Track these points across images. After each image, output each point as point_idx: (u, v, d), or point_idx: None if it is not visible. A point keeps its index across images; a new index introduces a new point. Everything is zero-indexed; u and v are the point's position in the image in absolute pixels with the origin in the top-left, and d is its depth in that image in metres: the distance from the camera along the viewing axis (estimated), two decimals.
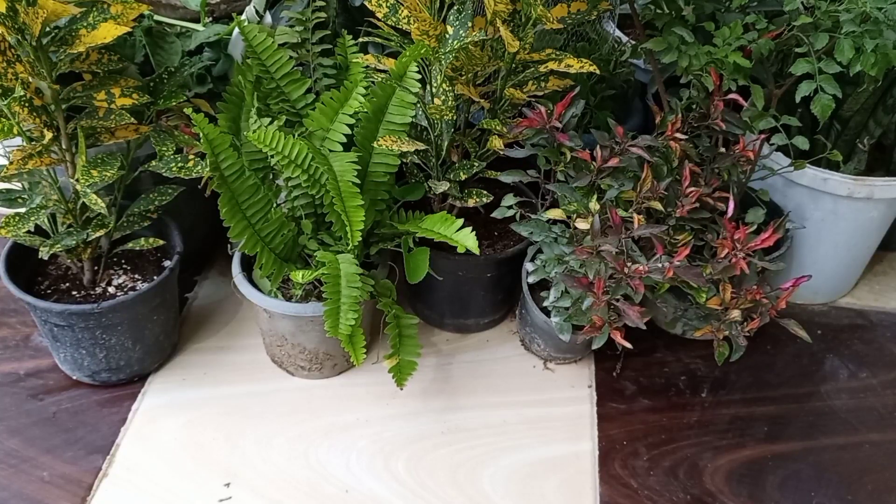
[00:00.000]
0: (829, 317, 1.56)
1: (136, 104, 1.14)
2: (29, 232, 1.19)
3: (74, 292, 1.28)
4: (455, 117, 1.23)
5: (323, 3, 1.33)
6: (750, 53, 1.13)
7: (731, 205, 1.21)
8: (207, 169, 1.13)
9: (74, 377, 1.33)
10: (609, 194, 1.21)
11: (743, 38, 1.11)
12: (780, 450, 1.30)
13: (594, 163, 1.20)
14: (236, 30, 1.28)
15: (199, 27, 1.31)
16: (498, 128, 1.22)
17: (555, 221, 1.27)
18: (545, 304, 1.28)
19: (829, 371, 1.45)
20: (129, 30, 1.07)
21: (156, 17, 1.27)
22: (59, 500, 1.16)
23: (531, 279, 1.29)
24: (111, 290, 1.28)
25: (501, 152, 1.25)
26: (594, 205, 1.19)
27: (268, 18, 1.36)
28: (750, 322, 1.22)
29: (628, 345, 1.19)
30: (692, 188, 1.19)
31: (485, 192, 1.30)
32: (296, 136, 1.18)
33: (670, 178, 1.22)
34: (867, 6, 1.03)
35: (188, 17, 1.33)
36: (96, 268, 1.29)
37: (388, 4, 1.16)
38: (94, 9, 1.06)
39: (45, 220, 1.24)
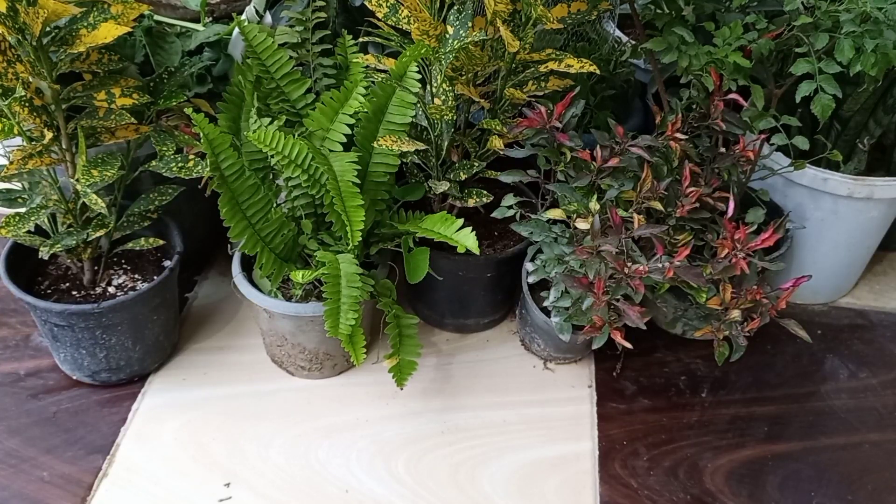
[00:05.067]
0: (829, 317, 1.56)
1: (137, 104, 1.14)
2: (29, 232, 1.19)
3: (74, 292, 1.28)
4: (455, 117, 1.23)
5: (323, 3, 1.33)
6: (750, 53, 1.13)
7: (731, 205, 1.21)
8: (207, 169, 1.13)
9: (74, 377, 1.33)
10: (609, 194, 1.21)
11: (743, 38, 1.11)
12: (780, 450, 1.30)
13: (594, 163, 1.20)
14: (236, 30, 1.28)
15: (199, 27, 1.31)
16: (498, 128, 1.22)
17: (555, 221, 1.27)
18: (545, 304, 1.28)
19: (829, 371, 1.45)
20: (130, 30, 1.07)
21: (156, 17, 1.27)
22: (59, 500, 1.16)
23: (531, 279, 1.29)
24: (111, 290, 1.28)
25: (501, 152, 1.25)
26: (594, 205, 1.19)
27: (268, 18, 1.36)
28: (750, 322, 1.22)
29: (628, 345, 1.19)
30: (692, 188, 1.19)
31: (485, 192, 1.30)
32: (296, 136, 1.18)
33: (670, 178, 1.22)
34: (867, 6, 1.03)
35: (188, 17, 1.33)
36: (96, 268, 1.29)
37: (388, 4, 1.16)
38: (95, 9, 1.06)
39: (45, 220, 1.24)
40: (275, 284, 1.28)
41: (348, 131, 1.23)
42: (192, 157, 1.18)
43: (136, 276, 1.31)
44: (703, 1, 1.24)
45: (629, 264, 1.13)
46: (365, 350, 1.17)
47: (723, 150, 1.29)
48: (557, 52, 1.17)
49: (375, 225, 1.27)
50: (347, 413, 1.32)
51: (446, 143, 1.25)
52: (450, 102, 1.18)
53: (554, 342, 1.37)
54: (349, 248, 1.18)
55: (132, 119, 1.13)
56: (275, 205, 1.23)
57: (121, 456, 1.23)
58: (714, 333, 1.24)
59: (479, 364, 1.42)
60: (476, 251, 1.14)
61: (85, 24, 1.05)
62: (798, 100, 1.10)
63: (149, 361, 1.35)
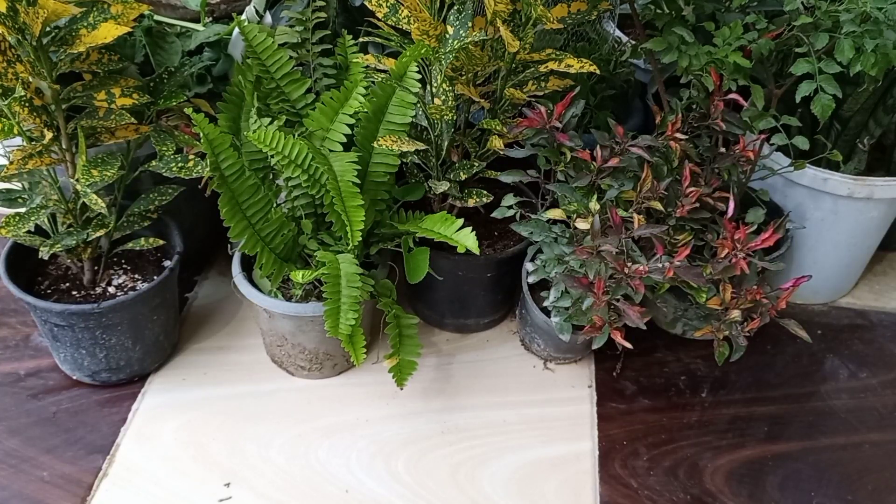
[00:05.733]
0: (829, 317, 1.56)
1: (137, 104, 1.14)
2: (29, 232, 1.19)
3: (74, 292, 1.28)
4: (455, 117, 1.23)
5: (323, 3, 1.33)
6: (750, 53, 1.13)
7: (731, 205, 1.21)
8: (207, 169, 1.13)
9: (74, 377, 1.33)
10: (609, 194, 1.21)
11: (743, 38, 1.11)
12: (780, 450, 1.30)
13: (594, 163, 1.20)
14: (236, 30, 1.28)
15: (199, 27, 1.31)
16: (498, 128, 1.22)
17: (555, 221, 1.27)
18: (545, 304, 1.28)
19: (829, 371, 1.45)
20: (130, 30, 1.07)
21: (156, 17, 1.27)
22: (59, 500, 1.16)
23: (531, 279, 1.29)
24: (111, 290, 1.28)
25: (501, 152, 1.25)
26: (594, 205, 1.19)
27: (268, 18, 1.36)
28: (750, 322, 1.22)
29: (628, 345, 1.19)
30: (692, 188, 1.19)
31: (485, 192, 1.30)
32: (296, 136, 1.18)
33: (670, 178, 1.22)
34: (867, 6, 1.03)
35: (188, 17, 1.33)
36: (96, 268, 1.29)
37: (388, 4, 1.16)
38: (95, 9, 1.06)
39: (46, 220, 1.24)
40: (275, 284, 1.28)
41: (348, 131, 1.23)
42: (192, 157, 1.18)
43: (136, 276, 1.31)
44: (703, 1, 1.24)
45: (629, 264, 1.13)
46: (365, 350, 1.17)
47: (723, 150, 1.29)
48: (557, 52, 1.17)
49: (375, 225, 1.27)
50: (347, 413, 1.32)
51: (446, 143, 1.25)
52: (450, 102, 1.18)
53: (554, 342, 1.37)
54: (349, 248, 1.18)
55: (132, 119, 1.13)
56: (275, 205, 1.23)
57: (121, 456, 1.23)
58: (714, 333, 1.24)
59: (479, 364, 1.42)
60: (476, 251, 1.14)
61: (85, 24, 1.05)
62: (798, 100, 1.10)
63: (149, 361, 1.35)
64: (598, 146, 1.21)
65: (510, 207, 1.30)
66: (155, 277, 1.27)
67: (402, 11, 1.15)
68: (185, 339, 1.43)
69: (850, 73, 1.05)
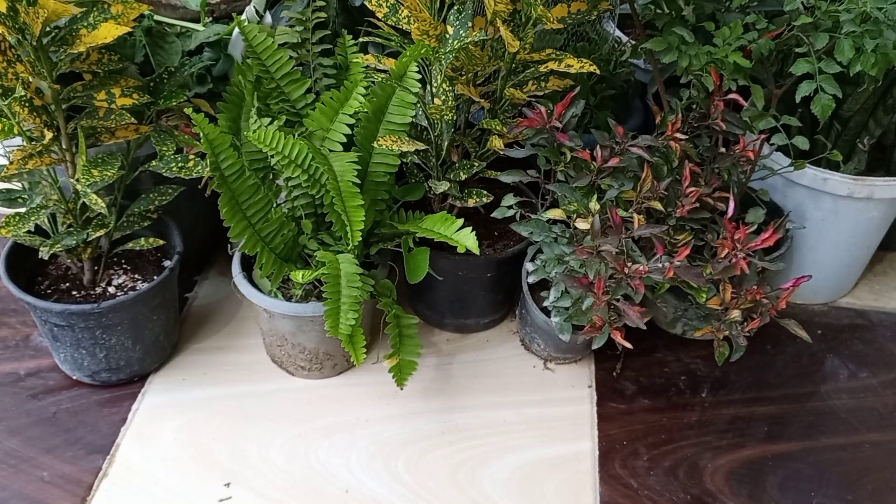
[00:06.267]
0: (829, 317, 1.56)
1: (137, 104, 1.14)
2: (29, 232, 1.19)
3: (74, 292, 1.28)
4: (455, 117, 1.23)
5: (323, 3, 1.33)
6: (750, 53, 1.13)
7: (732, 205, 1.21)
8: (207, 169, 1.13)
9: (74, 377, 1.33)
10: (609, 194, 1.21)
11: (743, 38, 1.11)
12: (780, 450, 1.30)
13: (594, 163, 1.20)
14: (236, 30, 1.28)
15: (199, 27, 1.31)
16: (498, 128, 1.22)
17: (555, 221, 1.27)
18: (545, 304, 1.28)
19: (829, 371, 1.45)
20: (130, 30, 1.07)
21: (156, 17, 1.27)
22: (59, 500, 1.16)
23: (531, 279, 1.29)
24: (111, 290, 1.28)
25: (501, 152, 1.25)
26: (594, 205, 1.19)
27: (268, 18, 1.36)
28: (750, 322, 1.22)
29: (628, 345, 1.19)
30: (692, 188, 1.19)
31: (485, 192, 1.30)
32: (296, 136, 1.18)
33: (670, 178, 1.22)
34: (867, 6, 1.03)
35: (188, 17, 1.33)
36: (96, 268, 1.29)
37: (388, 4, 1.16)
38: (95, 9, 1.06)
39: (46, 220, 1.24)
40: (275, 284, 1.28)
41: (348, 131, 1.23)
42: (192, 157, 1.18)
43: (136, 276, 1.31)
44: (703, 1, 1.24)
45: (629, 264, 1.13)
46: (365, 350, 1.17)
47: (723, 150, 1.29)
48: (557, 52, 1.17)
49: (375, 225, 1.27)
50: (347, 413, 1.32)
51: (446, 143, 1.25)
52: (450, 102, 1.18)
53: (554, 342, 1.37)
54: (349, 248, 1.18)
55: (132, 119, 1.13)
56: (275, 205, 1.23)
57: (121, 456, 1.23)
58: (714, 333, 1.24)
59: (479, 364, 1.42)
60: (476, 251, 1.14)
61: (85, 24, 1.05)
62: (798, 100, 1.10)
63: (149, 361, 1.35)
64: (598, 146, 1.21)
65: (510, 207, 1.30)
66: (155, 277, 1.27)
67: (402, 11, 1.15)
68: (185, 339, 1.43)
69: (850, 73, 1.05)
